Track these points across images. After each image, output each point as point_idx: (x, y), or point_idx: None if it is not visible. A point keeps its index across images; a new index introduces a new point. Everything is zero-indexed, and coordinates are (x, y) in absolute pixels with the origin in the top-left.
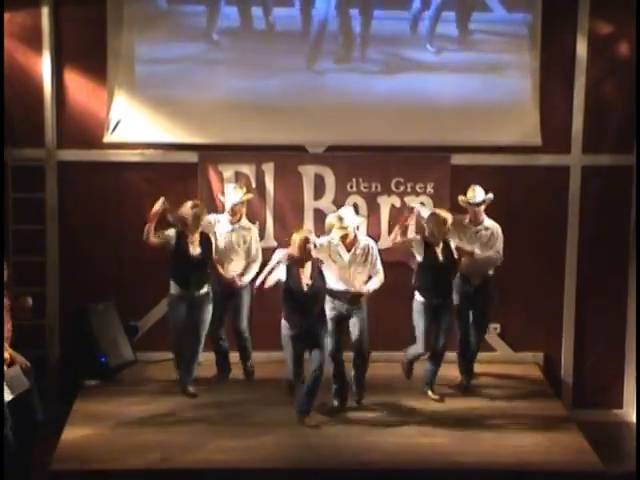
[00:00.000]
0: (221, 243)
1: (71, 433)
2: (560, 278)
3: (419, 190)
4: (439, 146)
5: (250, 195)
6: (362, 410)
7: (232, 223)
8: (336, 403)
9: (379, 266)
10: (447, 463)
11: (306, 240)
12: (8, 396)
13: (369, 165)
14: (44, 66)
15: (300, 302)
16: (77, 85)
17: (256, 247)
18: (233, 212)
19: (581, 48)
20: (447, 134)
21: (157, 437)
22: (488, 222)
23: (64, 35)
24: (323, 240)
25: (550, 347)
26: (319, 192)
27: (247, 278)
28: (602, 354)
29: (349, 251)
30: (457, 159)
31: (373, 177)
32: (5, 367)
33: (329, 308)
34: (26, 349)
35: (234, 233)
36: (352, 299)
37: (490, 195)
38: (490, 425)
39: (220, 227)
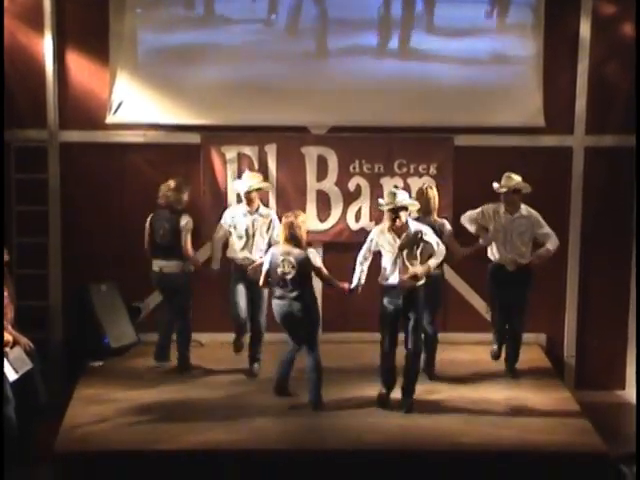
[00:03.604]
0: (241, 232)
1: (74, 414)
2: (563, 259)
3: (422, 171)
4: (442, 127)
5: (268, 184)
6: (365, 391)
7: (250, 213)
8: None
9: (435, 247)
10: (450, 444)
11: None
12: (12, 376)
13: (372, 146)
14: (46, 47)
15: None
16: (79, 66)
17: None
18: (249, 200)
19: (584, 29)
20: (450, 115)
21: (160, 418)
22: (525, 210)
23: (66, 16)
24: (374, 230)
25: (553, 328)
26: (322, 173)
27: None
28: (604, 336)
29: (399, 237)
30: (460, 140)
31: (376, 158)
32: (8, 348)
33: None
34: (29, 331)
35: (254, 222)
36: (408, 291)
37: (526, 184)
38: (492, 406)
39: (238, 218)
